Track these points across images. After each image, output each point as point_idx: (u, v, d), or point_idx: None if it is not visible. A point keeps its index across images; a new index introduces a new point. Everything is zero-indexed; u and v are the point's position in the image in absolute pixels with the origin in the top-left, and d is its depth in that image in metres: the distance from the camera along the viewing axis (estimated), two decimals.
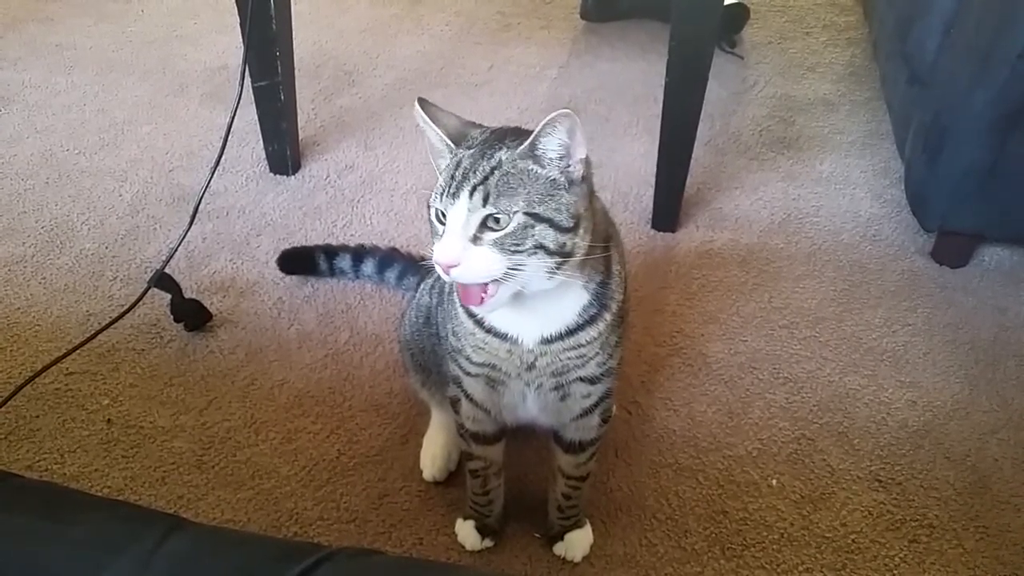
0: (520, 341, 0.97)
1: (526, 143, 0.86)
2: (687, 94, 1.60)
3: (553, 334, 0.96)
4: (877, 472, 1.32)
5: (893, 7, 1.98)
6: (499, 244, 0.85)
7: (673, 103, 1.63)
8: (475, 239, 0.85)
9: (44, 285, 1.61)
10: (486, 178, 0.85)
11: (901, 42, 1.83)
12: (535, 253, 0.86)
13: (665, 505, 1.27)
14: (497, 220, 0.85)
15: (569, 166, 0.87)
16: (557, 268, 0.88)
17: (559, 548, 1.20)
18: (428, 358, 1.23)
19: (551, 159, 0.86)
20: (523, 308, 0.93)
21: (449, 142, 0.90)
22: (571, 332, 0.96)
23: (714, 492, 1.29)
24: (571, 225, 0.87)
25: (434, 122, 0.91)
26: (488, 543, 1.21)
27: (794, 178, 1.93)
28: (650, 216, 1.78)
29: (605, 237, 0.96)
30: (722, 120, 2.10)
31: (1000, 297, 1.63)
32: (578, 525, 1.20)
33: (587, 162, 0.90)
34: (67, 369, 1.44)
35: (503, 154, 0.86)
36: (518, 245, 0.85)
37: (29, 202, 1.81)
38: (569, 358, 0.98)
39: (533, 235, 0.85)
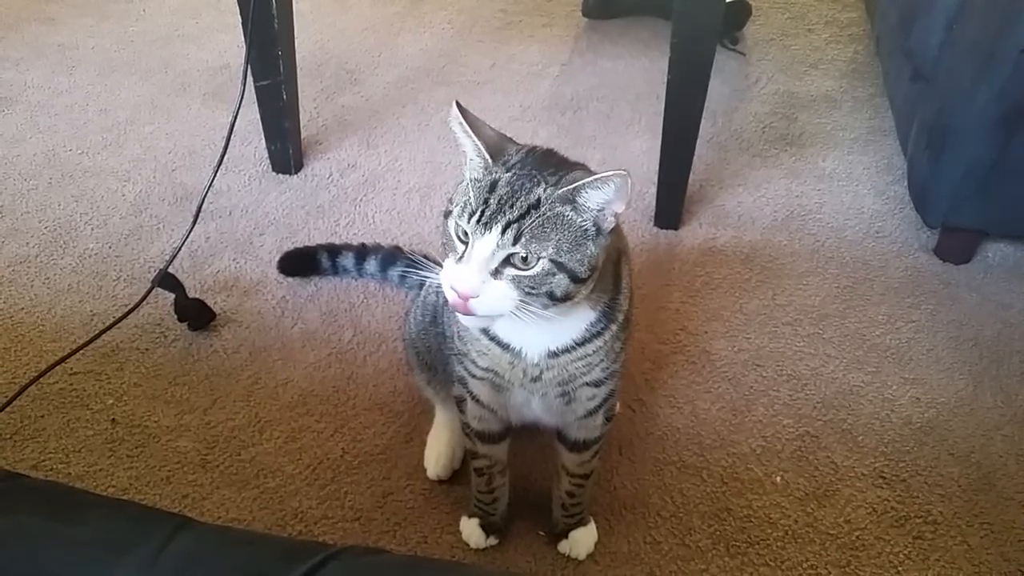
0: (524, 354, 0.97)
1: (569, 188, 0.83)
2: (689, 91, 1.60)
3: (559, 348, 0.96)
4: (881, 469, 1.32)
5: (895, 3, 1.97)
6: (516, 281, 0.84)
7: (675, 100, 1.62)
8: (496, 272, 0.84)
9: (48, 285, 1.61)
10: (522, 216, 0.83)
11: (904, 38, 1.83)
12: (542, 296, 0.86)
13: (669, 502, 1.27)
14: (524, 259, 0.84)
15: (603, 218, 0.86)
16: (553, 306, 0.87)
17: (563, 546, 1.20)
18: (434, 356, 1.22)
19: (589, 209, 0.85)
20: (528, 323, 0.93)
21: (488, 157, 0.87)
22: (578, 345, 0.96)
23: (718, 489, 1.29)
24: (586, 277, 0.86)
25: (475, 132, 0.87)
26: (493, 541, 1.21)
27: (797, 175, 1.93)
28: (653, 214, 1.78)
29: (617, 252, 0.96)
30: (724, 117, 2.10)
31: (1004, 293, 1.63)
32: (582, 523, 1.20)
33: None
34: (71, 369, 1.44)
35: (542, 192, 0.84)
36: (534, 288, 0.85)
37: (32, 202, 1.82)
38: (576, 368, 0.99)
39: (551, 282, 0.85)
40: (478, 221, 0.84)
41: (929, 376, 1.47)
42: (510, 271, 0.84)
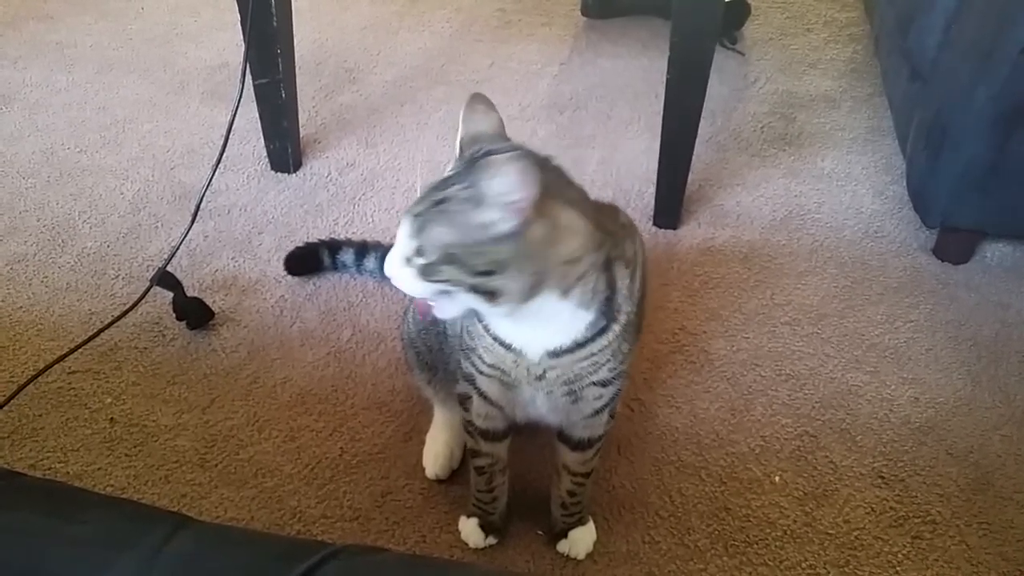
0: (525, 354, 0.97)
1: (470, 182, 0.84)
2: (688, 91, 1.60)
3: (560, 348, 0.96)
4: (880, 469, 1.32)
5: (894, 3, 1.97)
6: (421, 271, 0.87)
7: (674, 100, 1.62)
8: (406, 261, 0.88)
9: (46, 284, 1.61)
10: (427, 209, 0.86)
11: (902, 38, 1.83)
12: (451, 289, 0.87)
13: (668, 502, 1.27)
14: (419, 250, 0.87)
15: (509, 212, 0.83)
16: (491, 302, 0.88)
17: (562, 545, 1.20)
18: (434, 356, 1.22)
19: (492, 203, 0.82)
20: (523, 323, 0.93)
21: (457, 148, 0.90)
22: (580, 345, 0.96)
23: (717, 489, 1.29)
24: (487, 270, 0.85)
25: (464, 121, 0.91)
26: (491, 541, 1.21)
27: (796, 175, 1.93)
28: (652, 213, 1.78)
29: (607, 256, 0.94)
30: (723, 117, 2.10)
31: (1002, 293, 1.63)
32: (581, 522, 1.20)
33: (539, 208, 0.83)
34: (69, 368, 1.44)
35: (453, 189, 0.86)
36: (432, 277, 0.87)
37: (30, 201, 1.81)
38: (582, 367, 0.98)
39: (442, 271, 0.86)
40: (407, 210, 0.88)
41: (927, 376, 1.47)
42: (416, 260, 0.87)
